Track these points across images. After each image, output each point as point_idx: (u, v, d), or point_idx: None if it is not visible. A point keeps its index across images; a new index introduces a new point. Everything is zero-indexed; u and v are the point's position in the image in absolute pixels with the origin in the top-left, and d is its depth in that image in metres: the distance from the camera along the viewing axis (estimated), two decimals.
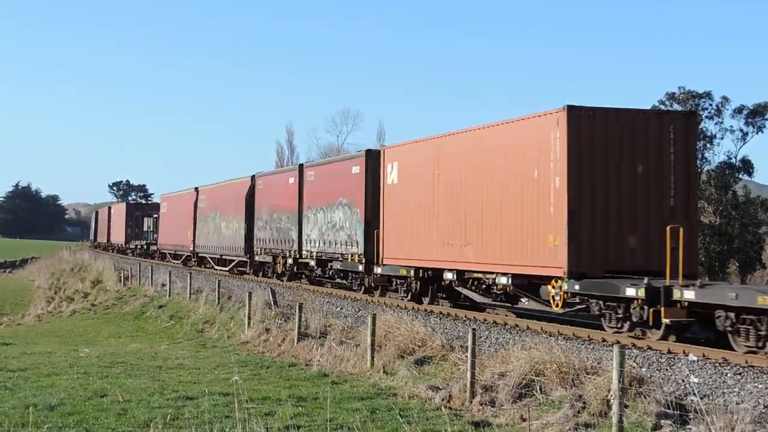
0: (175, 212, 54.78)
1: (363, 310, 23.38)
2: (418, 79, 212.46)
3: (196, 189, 49.88)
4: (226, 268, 42.59)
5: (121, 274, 45.17)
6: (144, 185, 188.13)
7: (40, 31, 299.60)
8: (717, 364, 13.79)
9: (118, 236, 78.90)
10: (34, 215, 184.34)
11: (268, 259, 36.26)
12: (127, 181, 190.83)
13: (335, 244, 28.85)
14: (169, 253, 56.59)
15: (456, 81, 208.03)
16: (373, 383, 14.58)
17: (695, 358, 14.26)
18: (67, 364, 17.62)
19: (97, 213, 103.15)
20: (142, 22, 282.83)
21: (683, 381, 12.64)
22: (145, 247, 67.16)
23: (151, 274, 39.18)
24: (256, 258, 37.94)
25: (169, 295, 33.25)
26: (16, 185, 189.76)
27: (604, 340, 16.54)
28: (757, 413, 10.33)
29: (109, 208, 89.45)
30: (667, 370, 13.59)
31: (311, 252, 31.24)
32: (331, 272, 30.08)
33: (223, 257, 43.60)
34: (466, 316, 21.20)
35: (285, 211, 34.08)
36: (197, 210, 48.84)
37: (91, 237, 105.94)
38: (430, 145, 23.38)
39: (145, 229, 68.04)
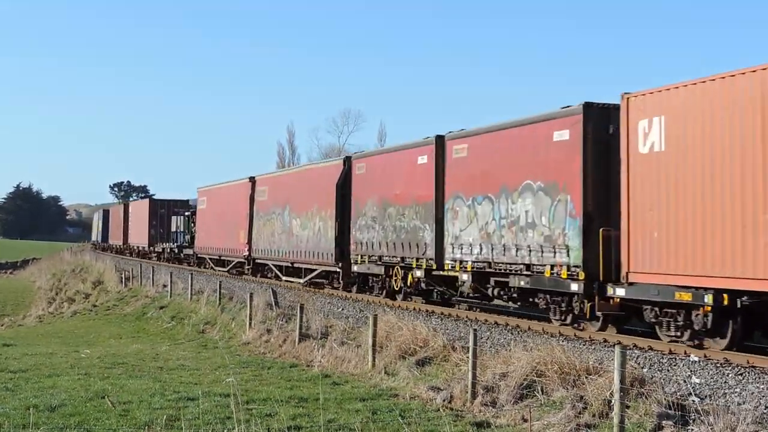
0: (220, 208, 44.66)
1: (364, 311, 23.35)
2: (420, 80, 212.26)
3: (252, 179, 39.78)
4: (302, 280, 32.84)
5: (122, 275, 45.19)
6: (145, 186, 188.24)
7: (40, 33, 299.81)
8: (718, 365, 13.77)
9: (139, 238, 68.14)
10: (35, 216, 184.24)
11: (376, 269, 26.55)
12: (128, 182, 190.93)
13: (516, 249, 19.54)
14: (211, 259, 46.24)
15: (457, 83, 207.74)
16: (375, 384, 14.58)
17: (696, 359, 14.24)
18: (68, 365, 17.63)
19: (106, 212, 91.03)
20: (142, 23, 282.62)
21: (684, 381, 12.63)
22: (176, 250, 56.42)
23: (152, 275, 39.18)
24: (354, 268, 28.19)
25: (170, 296, 33.27)
26: (17, 186, 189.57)
27: (605, 341, 16.51)
28: (759, 414, 10.32)
29: (126, 205, 78.71)
30: (668, 370, 13.58)
31: (462, 261, 21.68)
32: (499, 291, 20.89)
33: (297, 265, 33.62)
34: (467, 317, 21.17)
35: (410, 202, 24.57)
36: (254, 205, 38.92)
37: (96, 238, 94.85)
38: (742, 82, 14.27)
39: (174, 229, 57.64)
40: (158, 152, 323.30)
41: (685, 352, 14.83)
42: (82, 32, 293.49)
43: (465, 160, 22.06)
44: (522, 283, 19.46)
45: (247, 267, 40.08)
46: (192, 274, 34.55)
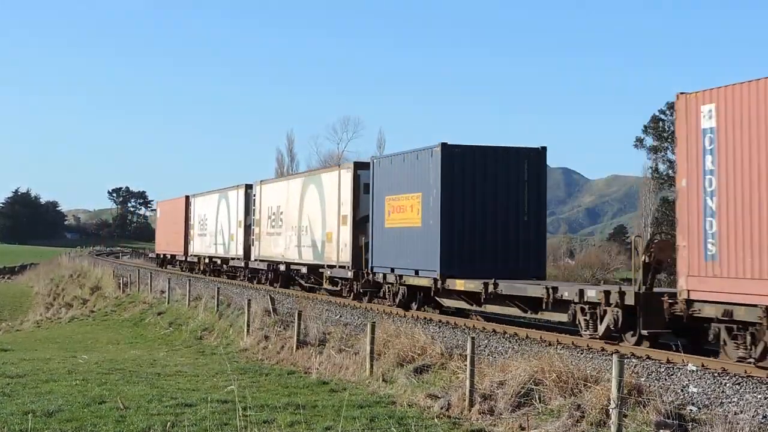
0: None
1: (362, 318, 23.35)
2: (418, 87, 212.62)
3: None
4: None
5: (120, 281, 45.12)
6: (143, 192, 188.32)
7: (41, 38, 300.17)
8: (716, 374, 13.78)
9: None
10: (33, 221, 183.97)
11: None
12: (127, 187, 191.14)
13: None
14: None
15: (457, 89, 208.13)
16: (372, 391, 14.57)
17: (694, 368, 14.25)
18: (65, 370, 17.60)
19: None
20: (143, 30, 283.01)
21: (682, 391, 12.65)
22: None
23: (150, 281, 39.12)
24: None
25: (168, 302, 33.21)
26: (16, 191, 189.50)
27: (603, 350, 16.52)
28: (756, 423, 10.33)
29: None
30: (666, 379, 13.58)
31: None
32: None
33: None
34: (465, 325, 21.18)
35: None
36: None
37: (234, 251, 42.05)
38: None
39: None
40: (156, 158, 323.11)
41: (683, 361, 14.85)
42: (82, 37, 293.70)
43: None
44: None
45: None
46: (190, 280, 34.50)
